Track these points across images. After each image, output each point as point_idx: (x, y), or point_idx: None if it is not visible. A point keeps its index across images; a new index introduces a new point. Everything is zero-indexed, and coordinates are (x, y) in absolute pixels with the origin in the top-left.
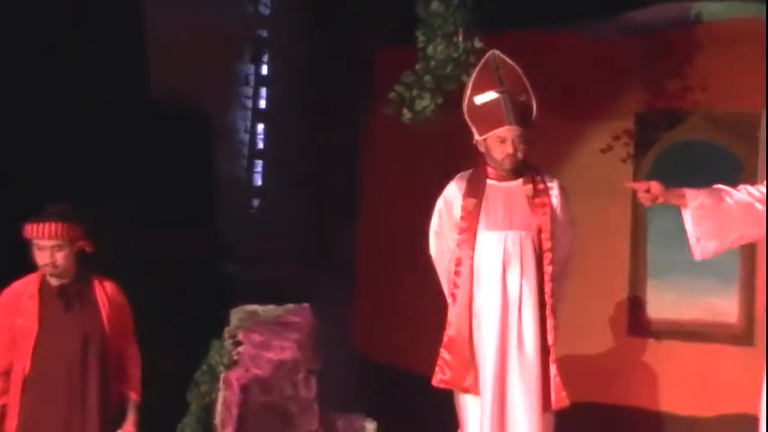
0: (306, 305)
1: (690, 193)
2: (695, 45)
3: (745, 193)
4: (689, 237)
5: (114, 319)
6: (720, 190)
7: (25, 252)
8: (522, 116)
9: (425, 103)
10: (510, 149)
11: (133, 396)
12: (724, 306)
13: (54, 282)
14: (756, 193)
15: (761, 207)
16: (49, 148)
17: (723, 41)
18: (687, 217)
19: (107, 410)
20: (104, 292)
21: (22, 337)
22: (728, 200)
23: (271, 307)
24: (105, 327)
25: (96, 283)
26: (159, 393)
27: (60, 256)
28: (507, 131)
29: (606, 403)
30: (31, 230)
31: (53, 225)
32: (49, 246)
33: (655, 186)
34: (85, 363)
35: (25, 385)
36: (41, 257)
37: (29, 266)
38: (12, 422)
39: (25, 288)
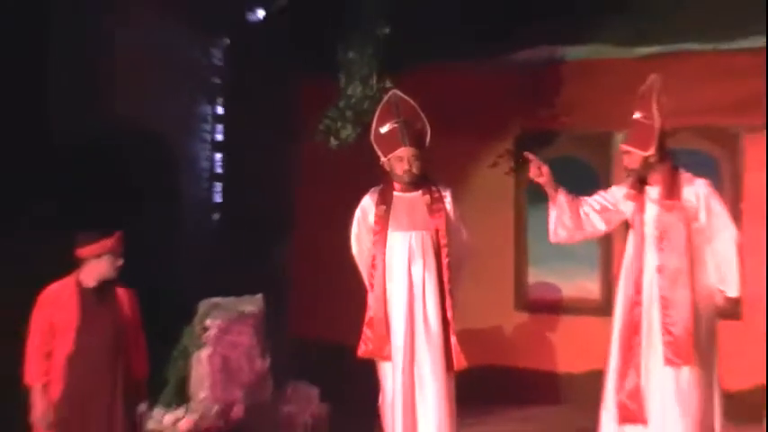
0: (259, 295)
1: (562, 191)
2: (562, 79)
3: (592, 204)
4: (549, 223)
5: (131, 316)
6: (581, 199)
7: None
8: (416, 139)
9: (347, 132)
10: (406, 166)
11: (143, 374)
12: (588, 286)
13: (91, 284)
14: (595, 205)
15: (596, 216)
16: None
17: (584, 76)
18: (552, 209)
19: (130, 386)
20: (125, 295)
21: (62, 327)
22: (583, 206)
23: (230, 299)
24: (126, 321)
25: (119, 288)
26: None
27: (118, 265)
28: (403, 151)
29: (498, 365)
30: (101, 246)
31: (112, 240)
32: (113, 257)
33: (545, 170)
34: (116, 345)
35: (68, 363)
36: (108, 268)
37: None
38: (54, 393)
39: (64, 288)
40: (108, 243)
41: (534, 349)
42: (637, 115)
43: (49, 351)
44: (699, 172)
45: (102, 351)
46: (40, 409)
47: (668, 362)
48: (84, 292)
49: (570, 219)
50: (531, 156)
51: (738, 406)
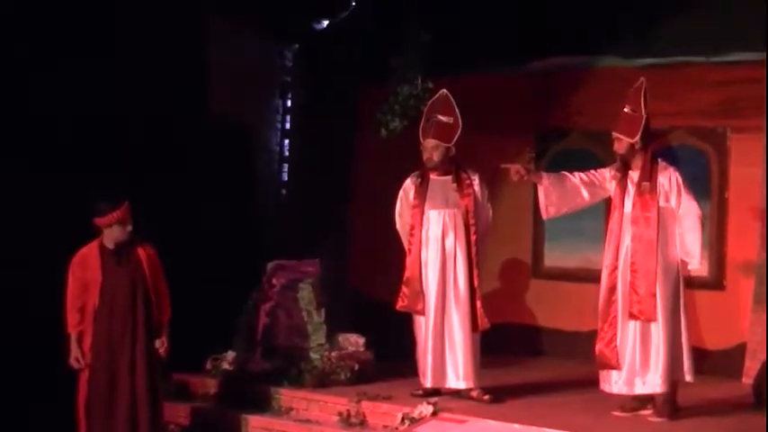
0: (316, 260)
1: (545, 175)
2: (575, 84)
3: (582, 177)
4: (540, 204)
5: (151, 270)
6: (565, 175)
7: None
8: (440, 133)
9: (395, 124)
10: (427, 155)
11: (165, 318)
12: (594, 258)
13: (110, 245)
14: (585, 178)
15: (583, 188)
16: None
17: (595, 82)
18: (540, 192)
19: (151, 328)
20: (144, 251)
21: (91, 284)
22: (572, 179)
23: (293, 261)
24: (146, 275)
25: (138, 246)
26: (220, 320)
27: (128, 230)
28: (426, 143)
29: (517, 322)
30: (110, 218)
31: (120, 212)
32: (122, 225)
33: (523, 170)
34: (134, 298)
35: (95, 315)
36: (120, 234)
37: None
38: (87, 342)
39: (90, 251)
40: (116, 214)
41: (547, 310)
42: (626, 109)
43: (82, 305)
44: (691, 165)
45: (122, 302)
46: (74, 354)
47: (632, 316)
48: (105, 254)
49: (556, 196)
50: (506, 165)
51: (721, 362)
